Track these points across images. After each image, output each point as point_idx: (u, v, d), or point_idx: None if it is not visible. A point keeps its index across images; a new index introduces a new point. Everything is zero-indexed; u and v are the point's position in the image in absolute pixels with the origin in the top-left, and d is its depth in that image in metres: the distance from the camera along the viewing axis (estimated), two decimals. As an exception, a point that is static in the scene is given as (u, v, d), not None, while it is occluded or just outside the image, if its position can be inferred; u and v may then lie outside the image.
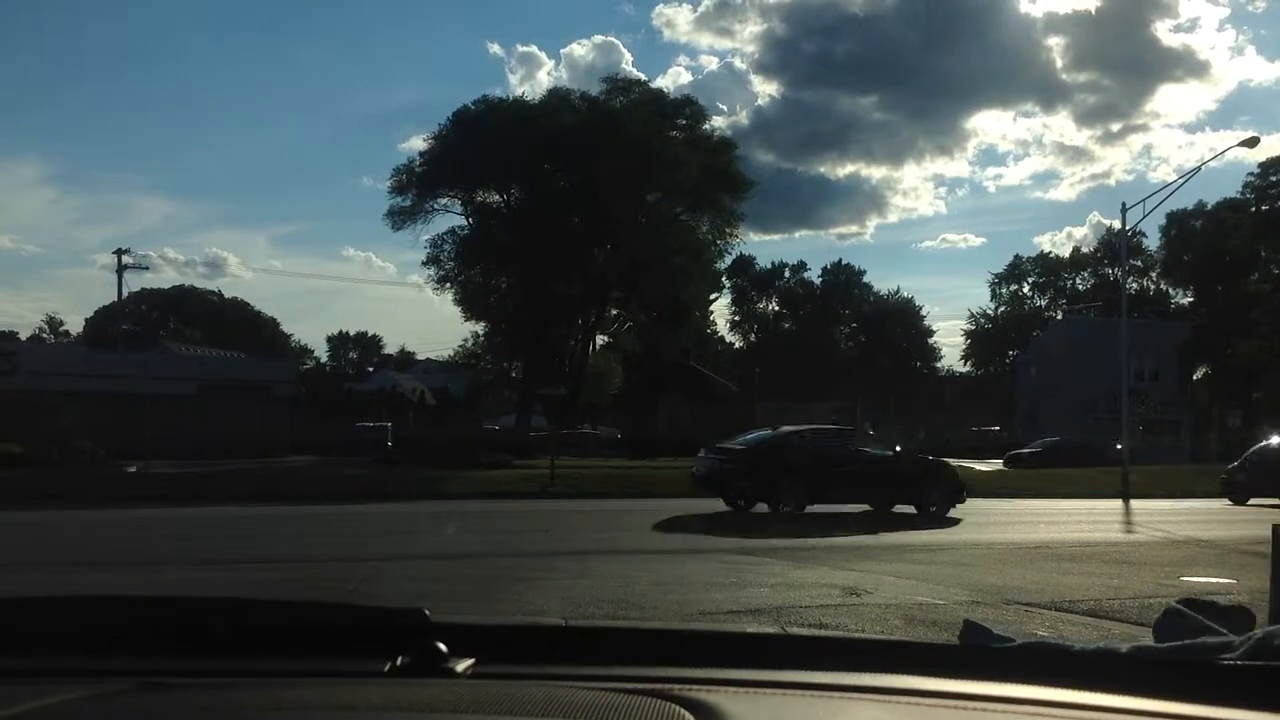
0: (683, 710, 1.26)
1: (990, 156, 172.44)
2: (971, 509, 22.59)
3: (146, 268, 68.40)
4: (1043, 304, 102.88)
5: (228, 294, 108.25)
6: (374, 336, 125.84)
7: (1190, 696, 1.36)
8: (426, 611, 1.63)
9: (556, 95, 56.68)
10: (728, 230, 57.31)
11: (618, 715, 1.25)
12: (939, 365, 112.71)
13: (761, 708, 1.33)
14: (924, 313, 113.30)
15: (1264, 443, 30.91)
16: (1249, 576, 11.78)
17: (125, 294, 61.75)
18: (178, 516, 21.41)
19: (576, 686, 1.39)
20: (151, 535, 17.88)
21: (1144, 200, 33.41)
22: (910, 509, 21.85)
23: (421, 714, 1.25)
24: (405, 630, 1.61)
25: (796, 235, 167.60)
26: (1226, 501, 28.55)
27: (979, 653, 1.64)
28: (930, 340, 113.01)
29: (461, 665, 1.52)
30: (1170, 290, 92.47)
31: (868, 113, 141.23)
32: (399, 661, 1.53)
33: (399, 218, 54.43)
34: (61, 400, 42.50)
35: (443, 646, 1.54)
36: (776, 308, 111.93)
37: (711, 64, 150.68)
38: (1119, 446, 33.89)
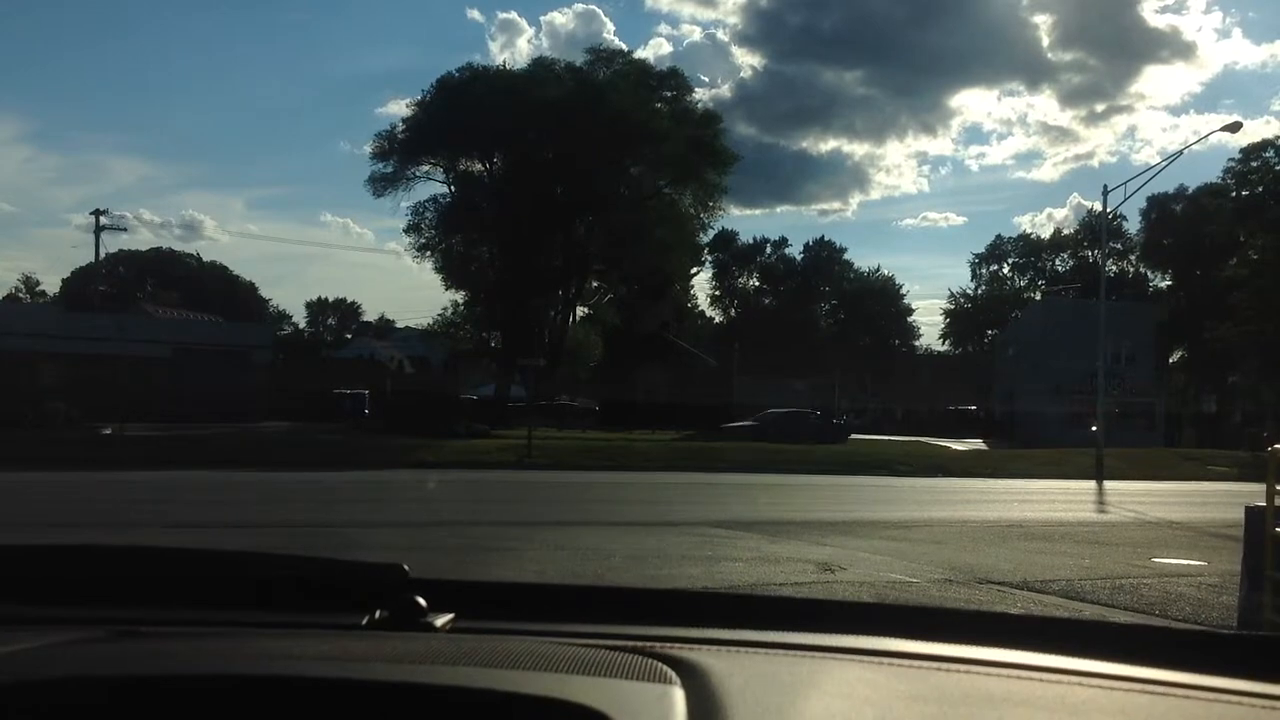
0: (665, 667, 1.24)
1: (973, 135, 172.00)
2: (947, 486, 22.79)
3: (124, 229, 67.38)
4: (1022, 285, 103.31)
5: (205, 257, 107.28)
6: (352, 303, 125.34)
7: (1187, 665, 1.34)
8: (405, 567, 1.61)
9: (541, 65, 56.35)
10: (710, 204, 57.19)
11: (599, 671, 1.22)
12: (918, 344, 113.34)
13: (745, 666, 1.32)
14: (904, 291, 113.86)
15: None
16: (1220, 559, 11.89)
17: (102, 255, 61.21)
18: (151, 480, 21.29)
19: (557, 642, 1.37)
20: (123, 498, 17.80)
21: (1125, 183, 33.53)
22: None
23: (401, 664, 1.22)
24: (383, 585, 1.59)
25: (778, 210, 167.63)
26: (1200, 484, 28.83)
27: (959, 617, 1.64)
28: (909, 319, 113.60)
29: (440, 620, 1.51)
30: (1149, 274, 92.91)
31: (851, 88, 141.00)
32: (377, 615, 1.51)
33: (380, 184, 54.06)
34: (37, 361, 42.14)
35: (422, 601, 1.52)
36: (757, 283, 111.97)
37: (694, 34, 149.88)
38: (1094, 431, 34.06)
